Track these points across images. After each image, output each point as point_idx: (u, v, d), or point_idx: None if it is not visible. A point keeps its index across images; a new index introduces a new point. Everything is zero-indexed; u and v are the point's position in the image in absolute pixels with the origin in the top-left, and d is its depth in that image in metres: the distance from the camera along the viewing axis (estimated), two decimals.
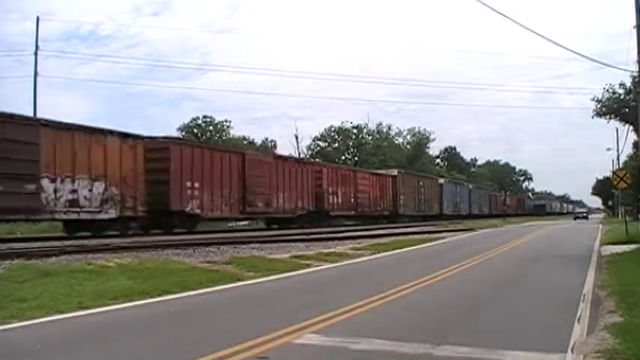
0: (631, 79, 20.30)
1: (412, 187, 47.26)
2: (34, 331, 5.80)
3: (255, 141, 59.74)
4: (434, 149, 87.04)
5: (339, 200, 35.65)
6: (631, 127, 24.91)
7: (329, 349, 5.04)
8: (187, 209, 23.51)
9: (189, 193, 23.61)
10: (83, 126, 19.43)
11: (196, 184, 23.94)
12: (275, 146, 59.93)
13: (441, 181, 57.08)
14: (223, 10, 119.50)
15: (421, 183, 50.15)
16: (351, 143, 67.98)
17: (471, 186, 68.96)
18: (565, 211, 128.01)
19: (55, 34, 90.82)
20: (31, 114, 25.46)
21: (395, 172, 45.81)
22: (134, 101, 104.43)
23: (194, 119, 54.93)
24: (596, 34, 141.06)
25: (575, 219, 60.46)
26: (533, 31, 26.00)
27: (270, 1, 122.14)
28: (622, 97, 22.03)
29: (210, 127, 54.42)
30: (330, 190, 34.72)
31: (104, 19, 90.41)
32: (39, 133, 17.38)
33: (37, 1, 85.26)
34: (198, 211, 24.15)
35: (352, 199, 37.24)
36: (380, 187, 41.44)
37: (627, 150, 43.45)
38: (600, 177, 68.99)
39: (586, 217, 63.50)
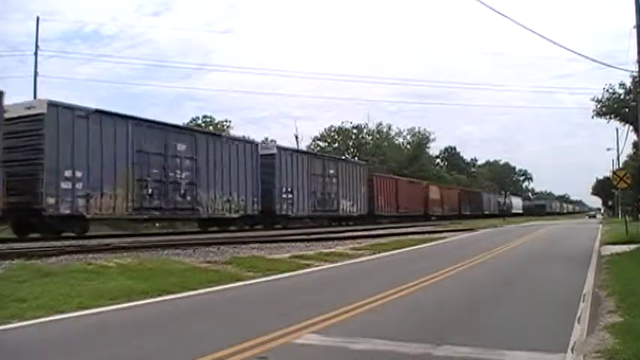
0: (631, 79, 20.27)
1: None
2: (34, 331, 5.79)
3: (255, 141, 59.60)
4: (434, 149, 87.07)
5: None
6: (631, 127, 24.80)
7: (329, 349, 5.03)
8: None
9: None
10: None
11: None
12: None
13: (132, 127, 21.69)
14: (224, 10, 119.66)
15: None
16: (351, 143, 67.97)
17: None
18: (565, 211, 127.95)
19: (58, 34, 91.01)
20: None
21: None
22: (135, 101, 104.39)
23: (194, 119, 55.08)
24: (601, 34, 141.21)
25: (589, 217, 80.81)
26: (533, 31, 26.04)
27: (271, 1, 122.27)
28: (622, 97, 21.96)
29: (210, 127, 54.40)
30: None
31: (107, 19, 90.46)
32: None
33: (40, 1, 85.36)
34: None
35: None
36: None
37: (627, 150, 43.47)
38: (600, 177, 69.63)
39: (595, 216, 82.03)
